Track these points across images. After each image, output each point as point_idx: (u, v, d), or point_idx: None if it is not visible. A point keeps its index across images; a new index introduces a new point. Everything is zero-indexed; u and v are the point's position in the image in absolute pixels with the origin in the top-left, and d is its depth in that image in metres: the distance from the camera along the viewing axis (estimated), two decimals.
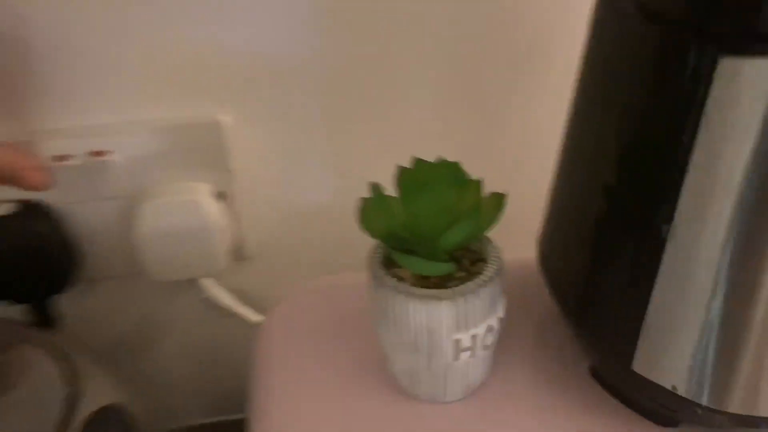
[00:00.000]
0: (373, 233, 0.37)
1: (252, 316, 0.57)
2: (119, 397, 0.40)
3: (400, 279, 0.36)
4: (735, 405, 0.33)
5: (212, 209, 0.52)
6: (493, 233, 0.44)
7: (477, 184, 0.36)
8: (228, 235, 0.54)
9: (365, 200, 0.36)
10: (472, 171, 0.36)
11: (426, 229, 0.34)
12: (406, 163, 0.36)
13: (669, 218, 0.30)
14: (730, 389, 0.32)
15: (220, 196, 0.53)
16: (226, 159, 0.52)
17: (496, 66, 0.52)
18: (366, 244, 0.38)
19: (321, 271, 0.56)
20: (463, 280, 0.35)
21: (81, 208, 0.52)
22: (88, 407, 0.37)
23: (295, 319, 0.48)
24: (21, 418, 0.36)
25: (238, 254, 0.56)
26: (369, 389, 0.41)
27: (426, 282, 0.36)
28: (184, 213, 0.52)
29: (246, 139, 0.52)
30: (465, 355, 0.36)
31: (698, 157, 0.28)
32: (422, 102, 0.52)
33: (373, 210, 0.36)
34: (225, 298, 0.57)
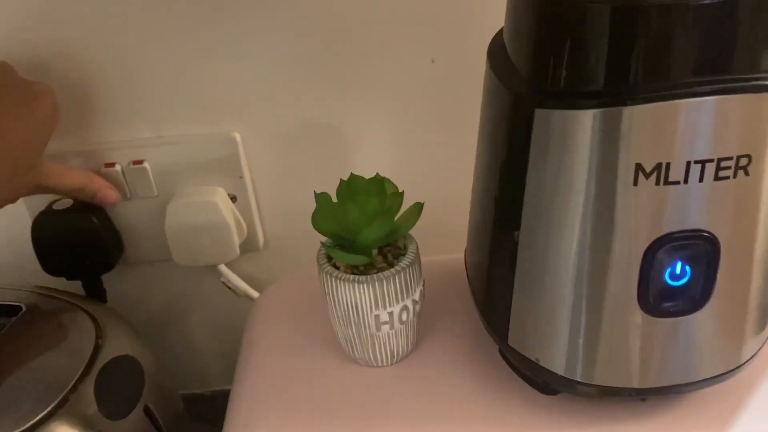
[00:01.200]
0: (322, 231, 0.47)
1: None
2: (132, 352, 0.52)
3: (337, 267, 0.46)
4: (585, 375, 0.41)
5: (227, 208, 0.61)
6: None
7: (398, 195, 0.46)
8: (240, 229, 0.64)
9: (316, 206, 0.46)
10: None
11: (351, 228, 0.44)
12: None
13: (518, 225, 0.39)
14: (581, 361, 0.41)
15: (234, 197, 0.63)
16: (239, 167, 0.62)
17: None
18: None
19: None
20: (382, 270, 0.45)
21: (123, 205, 0.62)
22: (107, 355, 0.50)
23: (283, 299, 0.58)
24: (60, 357, 0.49)
25: (249, 246, 0.65)
26: (325, 355, 0.51)
27: (356, 270, 0.46)
28: (204, 211, 0.61)
29: (255, 151, 0.62)
30: (385, 328, 0.46)
31: (530, 181, 0.37)
32: (396, 123, 0.62)
33: (321, 213, 0.46)
34: (238, 281, 0.66)
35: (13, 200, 0.51)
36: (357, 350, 0.48)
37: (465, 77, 0.59)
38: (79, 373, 0.47)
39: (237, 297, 0.67)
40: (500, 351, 0.48)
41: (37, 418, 0.44)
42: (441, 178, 0.63)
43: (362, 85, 0.60)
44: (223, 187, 0.62)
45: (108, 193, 0.58)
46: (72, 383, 0.46)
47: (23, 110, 0.49)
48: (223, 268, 0.66)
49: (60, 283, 0.61)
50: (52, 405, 0.45)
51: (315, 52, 0.58)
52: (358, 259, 0.44)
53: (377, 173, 0.46)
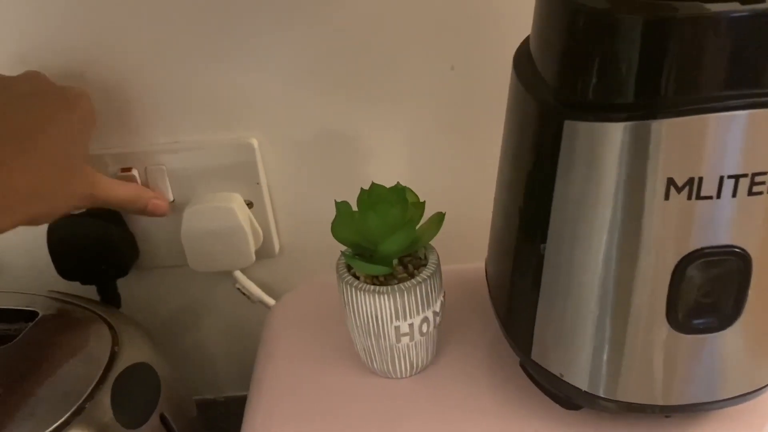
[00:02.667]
0: (341, 241, 0.47)
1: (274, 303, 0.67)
2: (148, 359, 0.52)
3: (357, 277, 0.45)
4: (610, 391, 0.40)
5: (244, 215, 0.61)
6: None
7: (419, 205, 0.45)
8: (256, 236, 0.63)
9: (336, 214, 0.46)
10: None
11: (372, 238, 0.44)
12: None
13: (544, 238, 0.38)
14: (606, 376, 0.40)
15: (250, 204, 0.62)
16: (256, 174, 0.61)
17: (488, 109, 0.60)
18: None
19: (332, 268, 0.65)
20: (403, 280, 0.44)
21: None
22: (124, 362, 0.49)
23: (299, 307, 0.58)
24: (77, 364, 0.48)
25: (264, 252, 0.65)
26: (342, 365, 0.50)
27: (376, 280, 0.45)
28: (221, 217, 0.60)
29: (272, 157, 0.61)
30: (405, 339, 0.45)
31: (557, 194, 0.37)
32: (414, 131, 0.61)
33: (341, 222, 0.46)
34: (253, 288, 0.66)
35: (67, 211, 0.50)
36: (376, 361, 0.47)
37: (485, 85, 0.59)
38: (96, 380, 0.47)
39: (251, 303, 0.67)
40: (521, 364, 0.48)
41: (53, 427, 0.43)
42: (459, 187, 0.63)
43: (380, 92, 0.60)
44: (239, 193, 0.62)
45: (158, 204, 0.58)
46: (88, 391, 0.46)
47: (62, 116, 0.48)
48: (238, 274, 0.66)
49: (74, 287, 0.61)
50: (69, 413, 0.44)
51: (333, 59, 0.58)
52: (379, 270, 0.44)
53: (398, 182, 0.46)
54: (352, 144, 0.62)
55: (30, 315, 0.53)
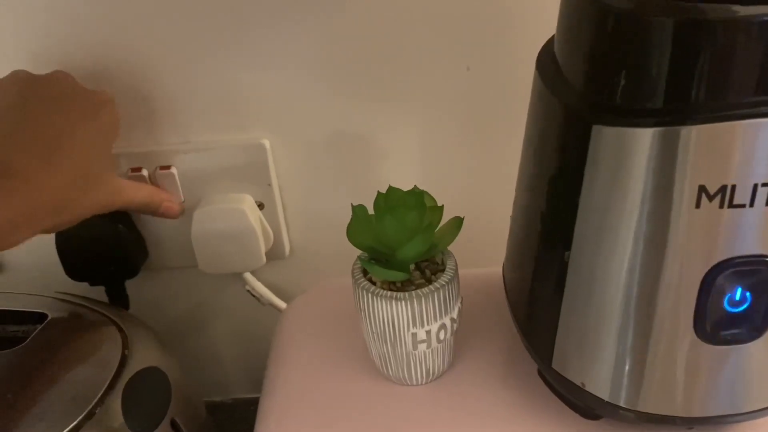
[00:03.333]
0: (357, 245, 0.46)
1: (285, 306, 0.65)
2: (159, 363, 0.51)
3: (373, 282, 0.45)
4: (632, 401, 0.40)
5: (254, 216, 0.60)
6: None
7: (438, 209, 0.44)
8: (267, 238, 0.62)
9: (352, 218, 0.45)
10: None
11: (390, 243, 0.43)
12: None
13: (568, 245, 0.38)
14: (629, 387, 0.39)
15: (261, 205, 0.62)
16: (267, 175, 0.60)
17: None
18: None
19: (345, 271, 0.65)
20: (420, 286, 0.43)
21: None
22: (134, 367, 0.48)
23: (310, 310, 0.57)
24: (87, 368, 0.48)
25: (274, 254, 0.64)
26: (356, 371, 0.49)
27: (392, 286, 0.44)
28: (231, 218, 0.60)
29: (283, 159, 0.61)
30: (422, 346, 0.44)
31: (583, 200, 0.36)
32: (428, 132, 0.60)
33: (357, 226, 0.45)
34: (263, 290, 0.65)
35: (88, 217, 0.49)
36: (391, 368, 0.46)
37: (501, 86, 0.58)
38: (106, 385, 0.46)
39: (260, 305, 0.66)
40: (539, 371, 0.47)
41: None
42: (474, 190, 0.62)
43: (394, 93, 0.59)
44: (250, 194, 0.61)
45: (171, 207, 0.58)
46: (99, 396, 0.45)
47: (88, 123, 0.48)
48: (248, 276, 0.65)
49: (81, 288, 0.60)
50: (79, 418, 0.43)
51: (346, 59, 0.57)
52: (397, 275, 0.43)
53: (415, 186, 0.45)
54: (364, 145, 0.61)
55: (39, 317, 0.52)
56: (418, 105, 0.59)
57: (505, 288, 0.48)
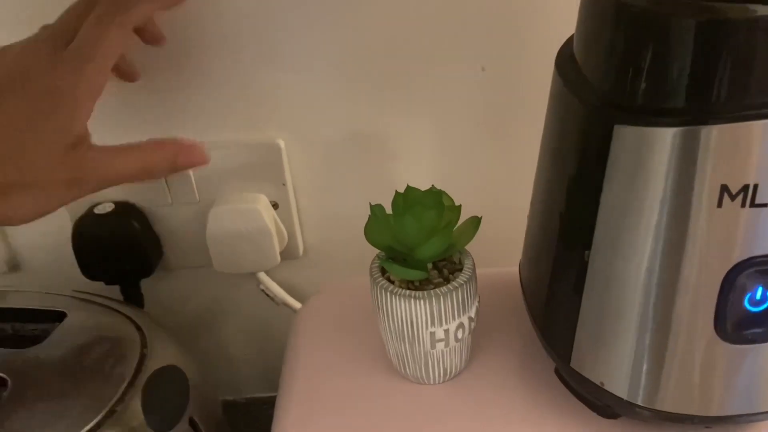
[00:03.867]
0: (375, 244, 0.46)
1: (299, 306, 0.66)
2: (177, 362, 0.51)
3: (391, 281, 0.45)
4: (651, 400, 0.40)
5: (269, 216, 0.60)
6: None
7: (455, 209, 0.44)
8: (281, 237, 0.63)
9: (370, 217, 0.45)
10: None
11: (408, 242, 0.43)
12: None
13: (588, 245, 0.38)
14: (648, 386, 0.39)
15: (276, 205, 0.62)
16: (282, 175, 0.60)
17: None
18: None
19: (358, 270, 0.64)
20: (439, 285, 0.44)
21: (165, 210, 0.61)
22: (153, 365, 0.49)
23: (326, 310, 0.57)
24: (106, 366, 0.48)
25: (289, 253, 0.64)
26: (373, 370, 0.50)
27: (411, 285, 0.44)
28: (246, 218, 0.60)
29: (298, 159, 0.61)
30: (440, 345, 0.44)
31: (604, 200, 0.36)
32: (443, 133, 0.61)
33: (375, 225, 0.45)
34: (277, 289, 0.65)
35: (56, 206, 0.40)
36: (409, 367, 0.47)
37: (516, 86, 0.58)
38: (126, 383, 0.46)
39: (274, 305, 0.66)
40: (556, 370, 0.47)
41: (83, 431, 0.43)
42: (489, 190, 0.62)
43: (410, 93, 0.59)
44: (265, 194, 0.61)
45: (192, 154, 0.44)
46: (119, 394, 0.45)
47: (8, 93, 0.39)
48: (262, 275, 0.65)
49: (96, 287, 0.61)
50: (100, 416, 0.44)
51: (362, 59, 0.57)
52: (416, 274, 0.43)
53: (433, 185, 0.45)
54: (379, 145, 0.61)
55: (57, 315, 0.52)
56: (433, 105, 0.59)
57: (522, 287, 0.49)
